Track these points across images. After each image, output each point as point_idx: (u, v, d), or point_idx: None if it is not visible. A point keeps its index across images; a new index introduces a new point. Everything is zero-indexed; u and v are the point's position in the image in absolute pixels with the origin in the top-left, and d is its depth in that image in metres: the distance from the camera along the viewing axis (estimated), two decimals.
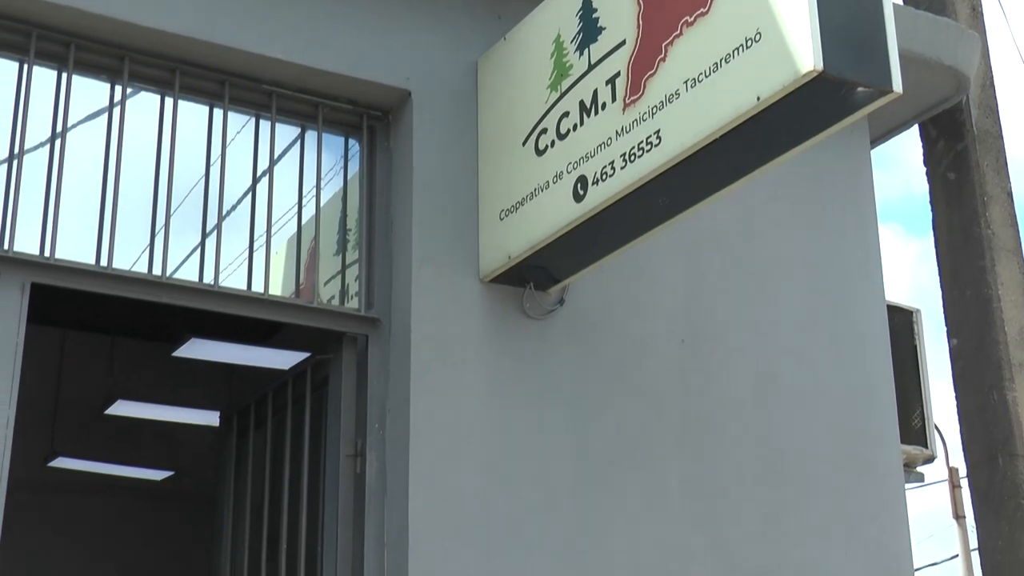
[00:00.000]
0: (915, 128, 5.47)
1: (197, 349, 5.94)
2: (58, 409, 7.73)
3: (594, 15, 3.58)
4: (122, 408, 7.19)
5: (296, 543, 3.85)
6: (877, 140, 5.23)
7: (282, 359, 5.07)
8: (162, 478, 8.42)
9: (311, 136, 4.01)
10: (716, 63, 3.14)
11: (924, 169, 5.51)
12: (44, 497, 8.30)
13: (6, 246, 3.40)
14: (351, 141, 4.09)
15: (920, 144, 5.54)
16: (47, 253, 3.45)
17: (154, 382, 7.08)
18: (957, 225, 5.23)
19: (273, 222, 3.85)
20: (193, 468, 7.69)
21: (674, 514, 3.94)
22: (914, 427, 5.80)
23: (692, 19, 3.24)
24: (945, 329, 5.24)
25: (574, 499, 3.79)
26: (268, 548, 4.06)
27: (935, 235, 5.34)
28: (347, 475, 3.74)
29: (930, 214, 5.41)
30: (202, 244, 3.73)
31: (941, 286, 5.26)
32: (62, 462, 8.02)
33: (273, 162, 3.90)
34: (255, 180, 3.88)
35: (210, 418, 6.41)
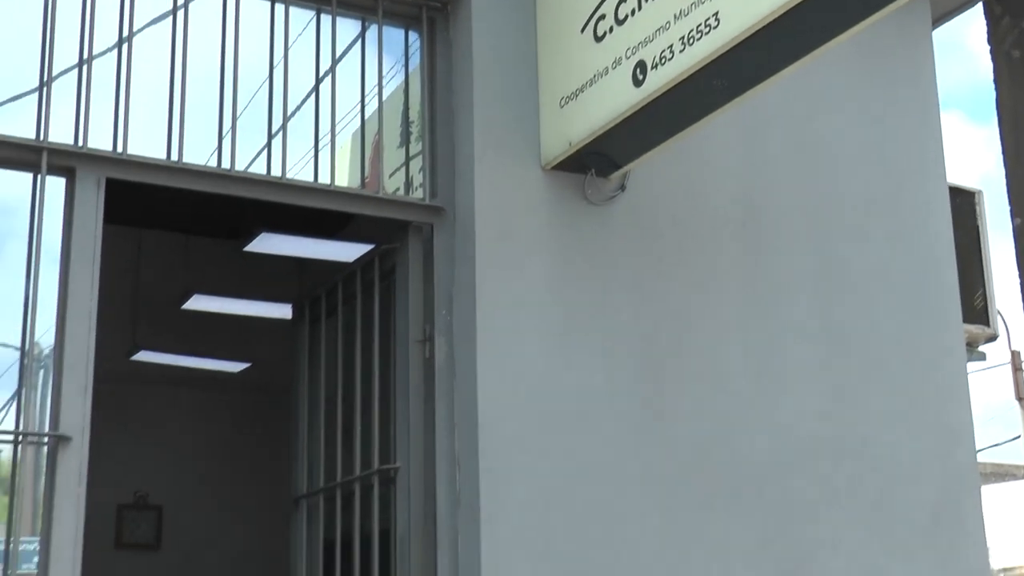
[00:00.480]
0: (978, 7, 5.32)
1: (267, 243, 6.01)
2: (138, 305, 7.88)
3: None
4: (198, 303, 7.31)
5: (370, 428, 3.93)
6: (939, 20, 5.10)
7: (350, 251, 5.12)
8: (239, 370, 8.59)
9: (372, 31, 3.99)
10: None
11: (988, 48, 5.37)
12: (127, 389, 8.50)
13: (80, 142, 3.44)
14: (411, 33, 4.07)
15: (984, 23, 5.40)
16: (120, 149, 3.49)
17: (228, 277, 7.17)
18: (1021, 103, 5.11)
19: (337, 117, 3.85)
20: (269, 360, 7.82)
21: (736, 392, 3.96)
22: (976, 307, 5.75)
23: None
24: (1008, 209, 5.15)
25: (637, 379, 3.82)
26: (343, 434, 4.14)
27: (998, 114, 5.22)
28: (416, 360, 3.79)
29: (993, 94, 5.29)
30: (268, 141, 3.75)
31: (1004, 164, 5.14)
32: (144, 355, 8.20)
33: (336, 57, 3.90)
34: (318, 76, 3.88)
35: (283, 311, 6.50)
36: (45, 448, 3.27)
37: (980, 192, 5.94)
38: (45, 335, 3.40)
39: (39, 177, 3.36)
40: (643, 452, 3.78)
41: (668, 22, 3.39)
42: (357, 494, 3.92)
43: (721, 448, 3.89)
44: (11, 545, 3.17)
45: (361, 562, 3.84)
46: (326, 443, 4.25)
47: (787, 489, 3.94)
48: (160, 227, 7.12)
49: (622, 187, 3.92)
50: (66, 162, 3.40)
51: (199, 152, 3.65)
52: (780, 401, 4.02)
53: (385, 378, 3.93)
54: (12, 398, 3.34)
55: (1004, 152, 5.17)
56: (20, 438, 3.23)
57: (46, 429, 3.28)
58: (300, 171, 3.81)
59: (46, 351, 3.43)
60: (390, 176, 4.03)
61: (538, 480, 3.62)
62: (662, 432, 3.82)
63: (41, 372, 3.50)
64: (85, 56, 3.51)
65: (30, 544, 3.27)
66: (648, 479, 3.76)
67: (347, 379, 4.15)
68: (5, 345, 3.41)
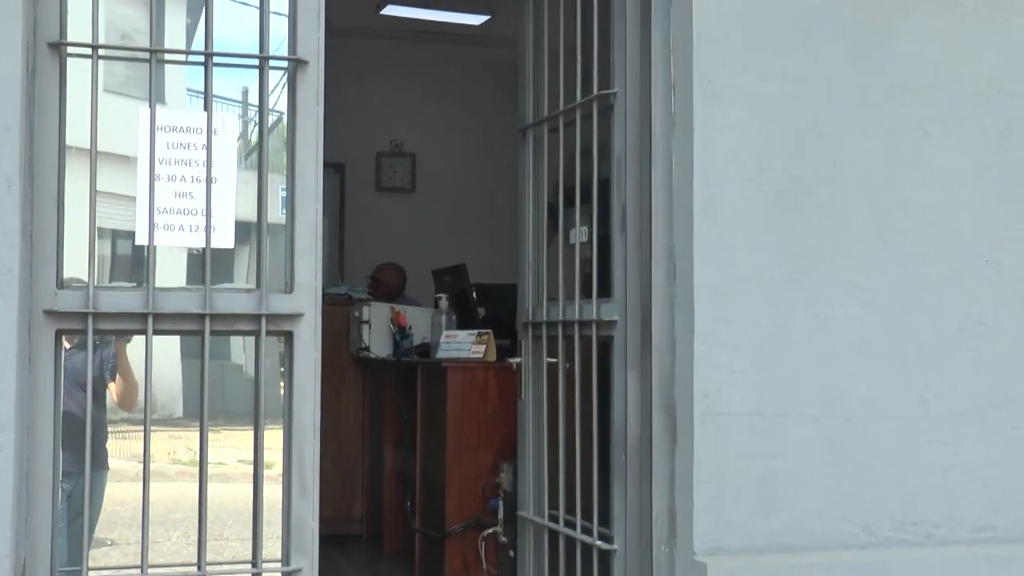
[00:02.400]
0: None
1: None
2: None
3: None
4: None
5: (589, 57, 3.85)
6: None
7: None
8: (481, 22, 8.60)
9: None
10: None
11: None
12: (379, 44, 8.68)
13: None
14: None
15: None
16: None
17: None
18: None
19: None
20: (508, 11, 7.78)
21: (965, 10, 3.66)
22: None
23: None
24: None
25: None
26: (565, 66, 4.08)
27: None
28: None
29: None
30: None
31: None
32: (392, 10, 8.30)
33: None
34: None
35: None
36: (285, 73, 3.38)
37: None
38: None
39: None
40: (863, 72, 3.58)
41: None
42: (577, 120, 3.92)
43: (945, 68, 3.65)
44: (262, 184, 3.35)
45: (581, 179, 3.89)
46: (549, 76, 4.22)
47: (1010, 112, 3.69)
48: None
49: None
50: None
51: None
52: (1012, 20, 3.70)
53: (604, 8, 3.83)
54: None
55: None
56: (262, 63, 3.34)
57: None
58: None
59: None
60: None
61: (753, 100, 3.50)
62: (884, 50, 3.59)
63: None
64: None
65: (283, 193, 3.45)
66: (867, 100, 3.59)
67: (568, 11, 4.06)
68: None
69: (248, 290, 3.28)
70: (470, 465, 5.22)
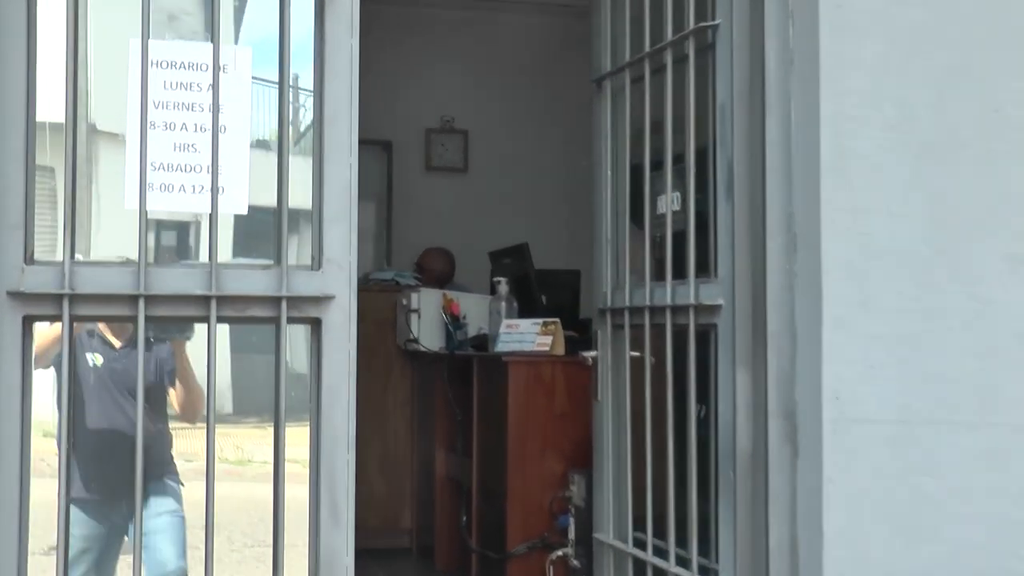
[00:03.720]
0: None
1: None
2: None
3: None
4: None
5: None
6: None
7: None
8: None
9: None
10: None
11: None
12: (421, 11, 8.19)
13: None
14: None
15: None
16: None
17: None
18: None
19: None
20: None
21: None
22: None
23: None
24: None
25: None
26: (651, 28, 3.39)
27: None
28: None
29: None
30: None
31: None
32: None
33: None
34: None
35: None
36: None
37: None
38: None
39: None
40: None
41: None
42: (668, 63, 3.23)
43: None
44: (283, 133, 2.71)
45: (673, 138, 3.20)
46: (632, 14, 3.53)
47: None
48: None
49: None
50: None
51: None
52: None
53: None
54: None
55: None
56: None
57: None
58: None
59: None
60: None
61: (894, 31, 2.86)
62: None
63: None
64: None
65: None
66: None
67: None
68: None
69: (265, 266, 2.64)
70: (534, 475, 4.57)
